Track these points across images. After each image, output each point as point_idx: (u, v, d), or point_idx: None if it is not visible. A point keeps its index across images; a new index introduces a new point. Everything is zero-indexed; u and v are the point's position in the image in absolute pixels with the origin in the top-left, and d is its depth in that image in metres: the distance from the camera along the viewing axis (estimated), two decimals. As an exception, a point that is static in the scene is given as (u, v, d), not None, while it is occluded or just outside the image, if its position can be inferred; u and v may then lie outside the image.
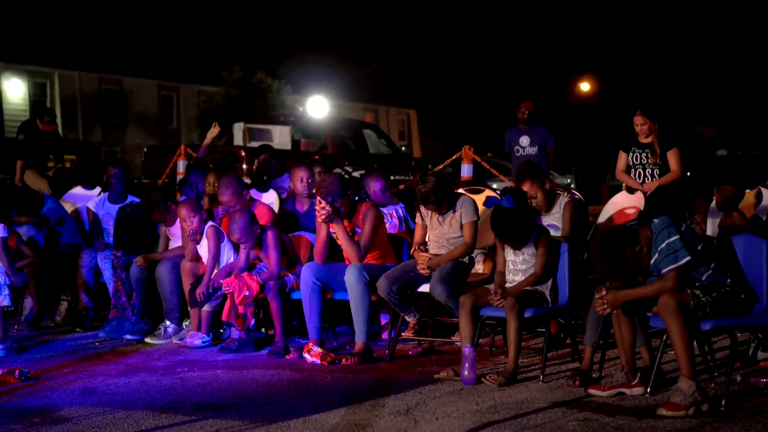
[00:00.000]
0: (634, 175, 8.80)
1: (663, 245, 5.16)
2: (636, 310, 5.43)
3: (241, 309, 7.28)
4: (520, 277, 6.23)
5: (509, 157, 12.53)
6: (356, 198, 7.10)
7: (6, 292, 7.31)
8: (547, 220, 6.98)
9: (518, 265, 6.26)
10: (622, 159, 8.91)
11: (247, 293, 7.22)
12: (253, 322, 7.44)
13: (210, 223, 7.69)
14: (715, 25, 48.20)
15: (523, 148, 12.17)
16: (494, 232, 6.21)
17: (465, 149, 11.35)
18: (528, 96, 13.23)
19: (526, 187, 6.92)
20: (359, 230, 7.05)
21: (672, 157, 8.65)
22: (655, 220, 5.28)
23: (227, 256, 7.67)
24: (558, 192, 7.17)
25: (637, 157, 8.80)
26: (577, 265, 6.48)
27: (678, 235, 5.15)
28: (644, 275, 5.31)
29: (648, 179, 8.71)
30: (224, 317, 7.33)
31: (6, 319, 7.47)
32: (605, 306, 5.28)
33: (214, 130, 11.24)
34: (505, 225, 6.13)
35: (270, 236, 7.29)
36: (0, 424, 4.99)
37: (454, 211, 6.81)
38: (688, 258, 5.11)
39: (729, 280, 5.25)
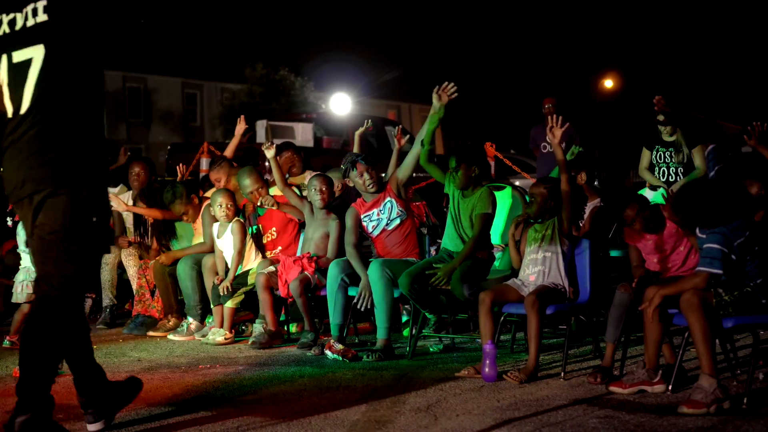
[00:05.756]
0: (658, 173, 8.85)
1: (705, 246, 5.14)
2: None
3: (282, 291, 7.26)
4: (538, 268, 6.19)
5: (532, 154, 12.48)
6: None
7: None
8: None
9: (537, 260, 6.23)
10: (646, 156, 8.97)
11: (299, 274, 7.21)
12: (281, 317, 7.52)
13: (237, 218, 7.73)
14: (740, 21, 47.82)
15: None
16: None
17: (486, 146, 11.35)
18: (551, 92, 13.20)
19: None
20: (386, 222, 7.03)
21: (697, 155, 8.70)
22: None
23: (253, 255, 7.73)
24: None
25: (660, 155, 8.85)
26: (599, 262, 6.46)
27: (719, 245, 5.09)
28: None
29: (672, 177, 8.76)
30: (282, 294, 7.34)
31: None
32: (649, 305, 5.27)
33: (241, 126, 10.64)
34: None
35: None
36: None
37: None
38: (720, 272, 5.08)
39: (752, 282, 5.21)
